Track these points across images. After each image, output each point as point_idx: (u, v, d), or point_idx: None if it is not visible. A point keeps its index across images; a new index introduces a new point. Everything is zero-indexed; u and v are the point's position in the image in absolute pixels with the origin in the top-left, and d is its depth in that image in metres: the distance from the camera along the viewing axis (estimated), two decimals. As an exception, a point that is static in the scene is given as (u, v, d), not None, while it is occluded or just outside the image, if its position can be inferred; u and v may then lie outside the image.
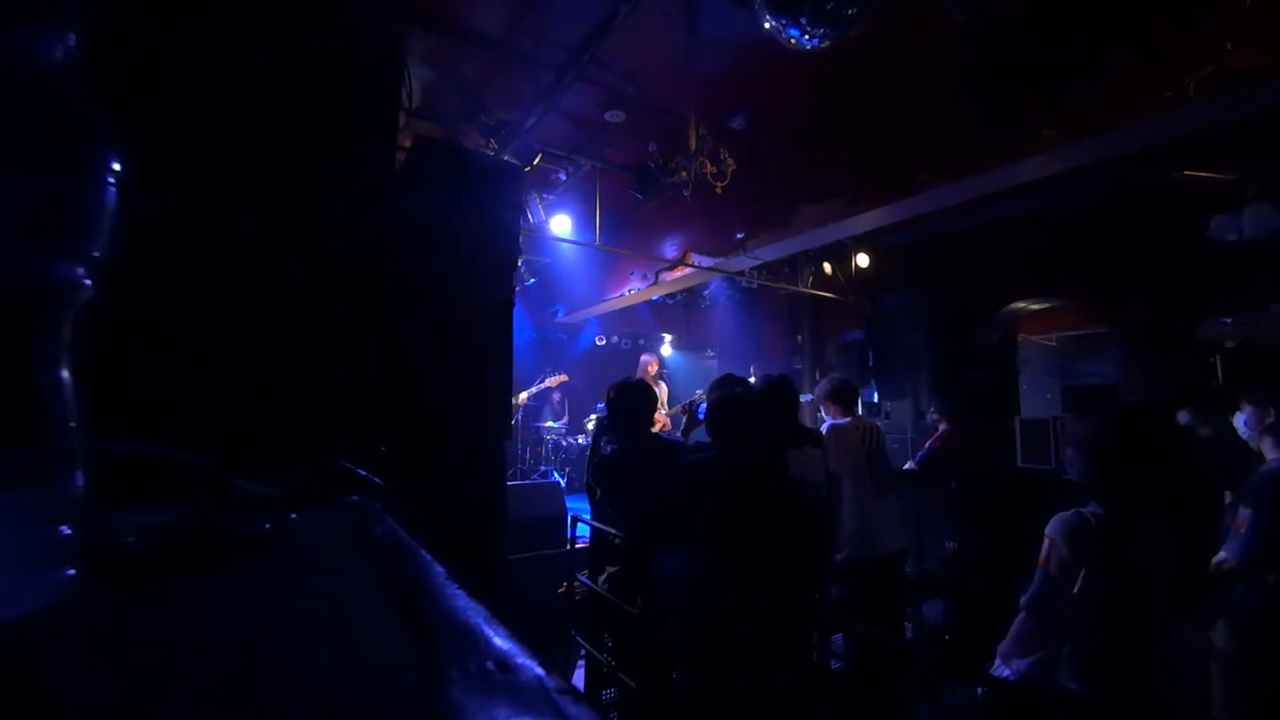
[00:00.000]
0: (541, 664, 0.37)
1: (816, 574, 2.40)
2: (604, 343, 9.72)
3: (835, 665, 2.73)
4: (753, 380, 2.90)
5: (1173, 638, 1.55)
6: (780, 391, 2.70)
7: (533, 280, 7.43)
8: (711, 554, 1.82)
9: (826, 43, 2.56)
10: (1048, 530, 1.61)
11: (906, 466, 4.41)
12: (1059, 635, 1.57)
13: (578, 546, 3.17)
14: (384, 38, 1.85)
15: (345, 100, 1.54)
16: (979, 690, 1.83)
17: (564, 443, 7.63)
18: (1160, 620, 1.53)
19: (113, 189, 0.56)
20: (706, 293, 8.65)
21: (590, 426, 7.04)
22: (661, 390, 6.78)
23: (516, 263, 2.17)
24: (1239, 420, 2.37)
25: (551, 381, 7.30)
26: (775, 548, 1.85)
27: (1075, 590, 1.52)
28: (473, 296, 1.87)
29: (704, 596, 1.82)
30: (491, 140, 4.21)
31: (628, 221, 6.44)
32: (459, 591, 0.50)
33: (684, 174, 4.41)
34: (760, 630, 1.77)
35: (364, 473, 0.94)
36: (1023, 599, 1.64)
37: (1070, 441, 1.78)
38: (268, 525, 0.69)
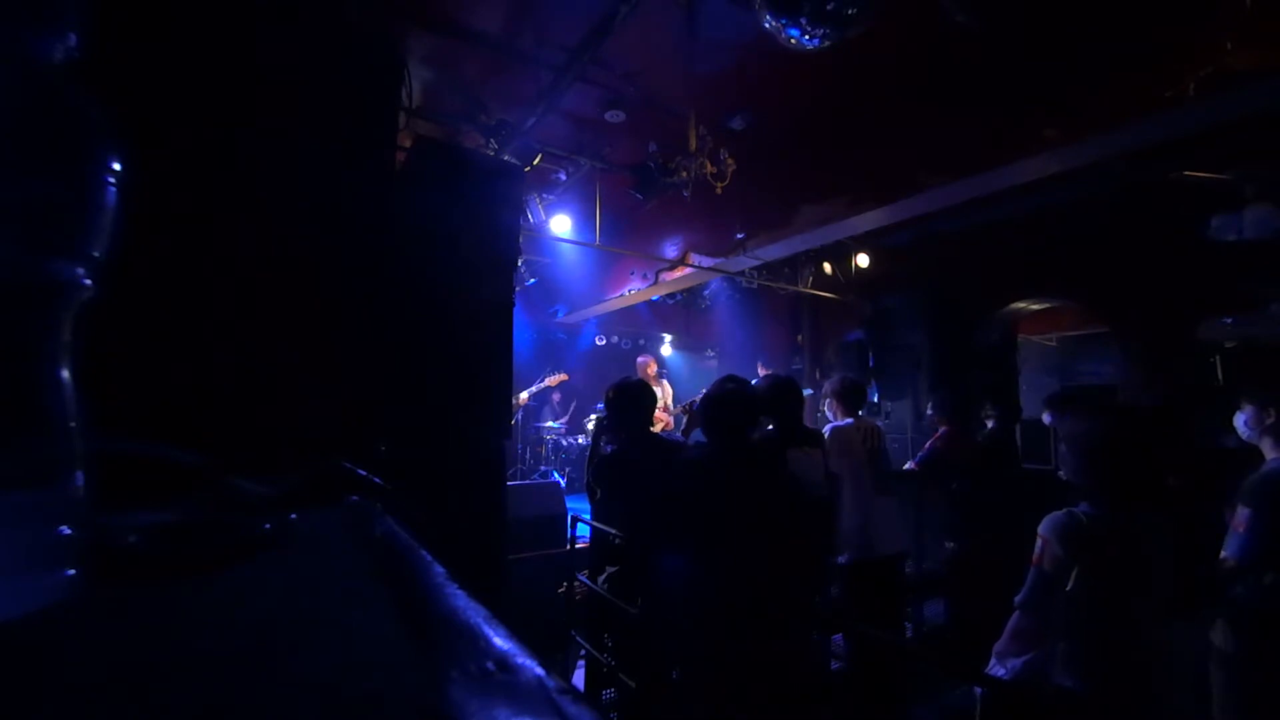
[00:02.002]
0: (541, 664, 0.37)
1: (816, 574, 2.40)
2: (604, 343, 9.72)
3: (835, 665, 2.73)
4: (757, 379, 2.90)
5: (1168, 636, 1.55)
6: (784, 392, 2.70)
7: (533, 280, 7.42)
8: (707, 551, 1.82)
9: (826, 43, 2.56)
10: (1040, 529, 1.63)
11: (906, 466, 4.41)
12: (1053, 633, 1.58)
13: (578, 546, 3.17)
14: (384, 38, 1.85)
15: (345, 100, 1.54)
16: (978, 690, 1.83)
17: (564, 443, 7.63)
18: (1154, 618, 1.53)
19: (113, 189, 0.56)
20: (706, 293, 8.65)
21: (590, 426, 7.04)
22: (665, 390, 6.79)
23: (516, 263, 2.17)
24: (1239, 420, 2.37)
25: (551, 380, 7.30)
26: (773, 545, 1.85)
27: (1068, 588, 1.53)
28: (473, 296, 1.87)
29: (702, 594, 1.82)
30: (491, 140, 4.21)
31: (628, 221, 6.44)
32: (459, 591, 0.50)
33: (684, 174, 4.40)
34: (759, 630, 1.77)
35: (364, 473, 0.94)
36: (1017, 598, 1.65)
37: (1063, 440, 1.79)
38: (268, 525, 0.69)
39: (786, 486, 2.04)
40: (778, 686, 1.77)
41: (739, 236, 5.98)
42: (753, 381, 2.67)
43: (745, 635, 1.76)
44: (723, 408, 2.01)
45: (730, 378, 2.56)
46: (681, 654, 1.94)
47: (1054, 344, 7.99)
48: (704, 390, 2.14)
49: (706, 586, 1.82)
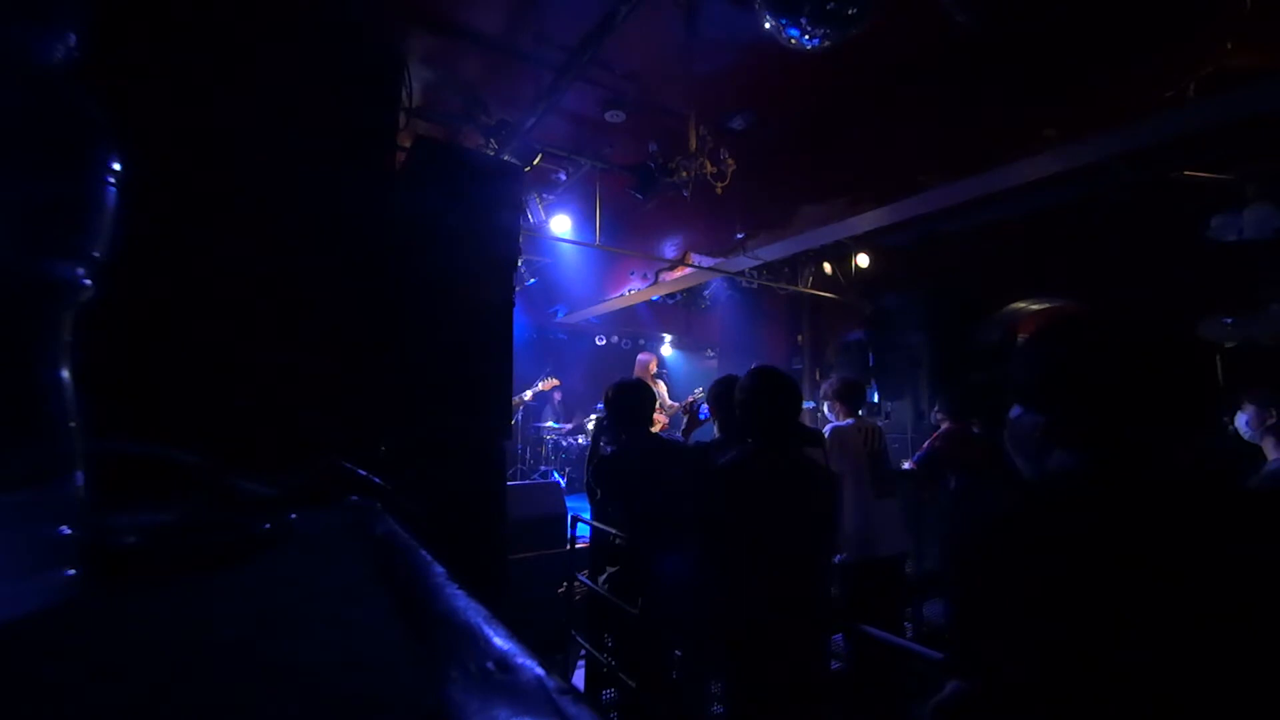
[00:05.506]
0: (541, 664, 0.37)
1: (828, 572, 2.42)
2: (604, 343, 9.72)
3: (835, 665, 2.73)
4: None
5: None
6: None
7: (533, 280, 7.42)
8: (754, 557, 1.82)
9: (826, 43, 2.56)
10: None
11: (905, 466, 4.41)
12: None
13: (578, 546, 3.17)
14: (384, 38, 1.85)
15: (345, 100, 1.54)
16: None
17: (564, 443, 7.63)
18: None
19: (113, 189, 0.56)
20: (706, 293, 8.64)
21: (590, 427, 7.04)
22: (661, 389, 6.78)
23: (516, 263, 2.17)
24: (1240, 420, 2.37)
25: (544, 385, 7.28)
26: (809, 544, 1.86)
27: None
28: (473, 296, 1.87)
29: (756, 597, 1.82)
30: (491, 140, 4.21)
31: (628, 221, 6.44)
32: (459, 591, 0.50)
33: (684, 174, 4.40)
34: (795, 629, 1.78)
35: (364, 473, 0.94)
36: None
37: None
38: (268, 525, 0.69)
39: (827, 481, 2.04)
40: (796, 684, 1.78)
41: (739, 236, 5.97)
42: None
43: (783, 635, 1.77)
44: (775, 403, 1.95)
45: (732, 379, 2.56)
46: (710, 653, 1.93)
47: (1054, 344, 7.98)
48: (697, 390, 2.13)
49: (761, 586, 1.81)
